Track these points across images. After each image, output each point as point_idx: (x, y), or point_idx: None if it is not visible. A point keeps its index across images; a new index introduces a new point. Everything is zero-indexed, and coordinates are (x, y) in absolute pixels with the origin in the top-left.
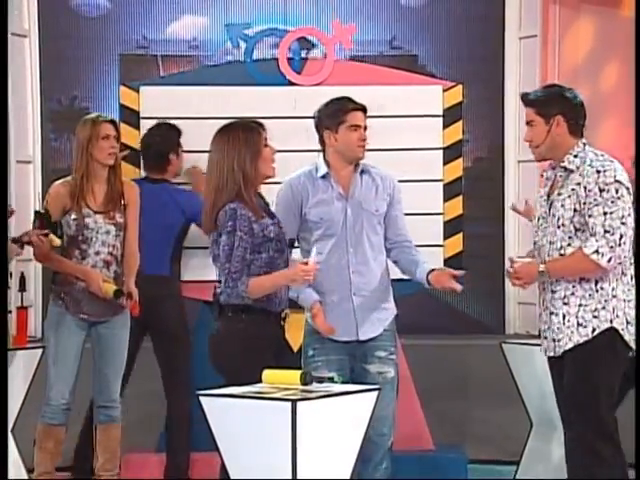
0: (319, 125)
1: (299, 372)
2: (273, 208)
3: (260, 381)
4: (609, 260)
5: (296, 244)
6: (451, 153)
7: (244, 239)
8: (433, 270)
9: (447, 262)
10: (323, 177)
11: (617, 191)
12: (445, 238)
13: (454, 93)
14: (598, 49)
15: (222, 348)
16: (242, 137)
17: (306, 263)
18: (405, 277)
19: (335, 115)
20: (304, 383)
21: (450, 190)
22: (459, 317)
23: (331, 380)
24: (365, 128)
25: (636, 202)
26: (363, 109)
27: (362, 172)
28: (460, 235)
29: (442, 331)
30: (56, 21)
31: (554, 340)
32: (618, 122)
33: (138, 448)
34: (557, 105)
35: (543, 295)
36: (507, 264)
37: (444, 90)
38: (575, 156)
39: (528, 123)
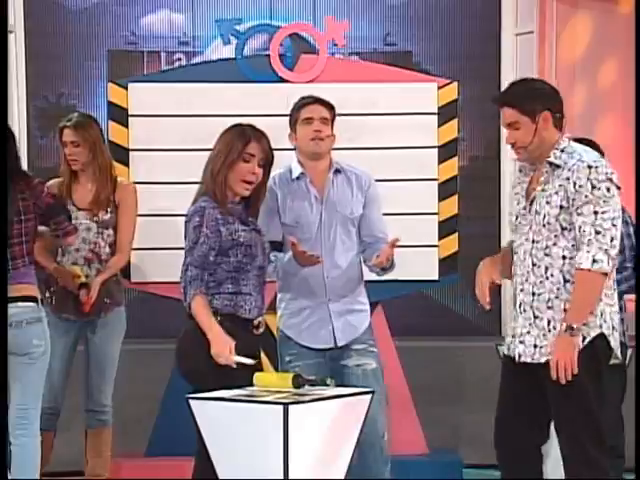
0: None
1: (290, 375)
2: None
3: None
4: (608, 264)
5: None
6: (446, 152)
7: (210, 237)
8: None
9: (442, 263)
10: (298, 178)
11: (609, 190)
12: (440, 238)
13: (449, 90)
14: (596, 45)
15: (184, 351)
16: (225, 140)
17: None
18: (399, 278)
19: (292, 114)
20: (296, 386)
21: (445, 189)
22: (454, 318)
23: (323, 383)
24: (325, 120)
25: (636, 202)
26: (320, 101)
27: (336, 171)
28: (455, 235)
29: (437, 333)
30: (42, 16)
31: (535, 346)
32: (616, 120)
33: (127, 452)
34: (541, 100)
35: (522, 296)
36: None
37: (439, 87)
38: (562, 151)
39: (510, 125)
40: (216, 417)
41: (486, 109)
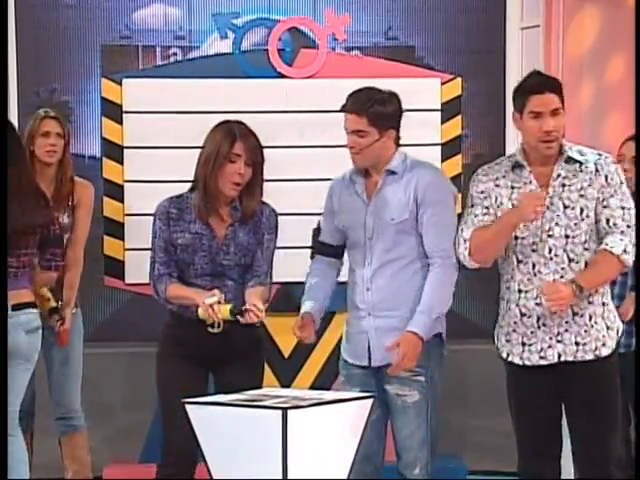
0: None
1: (228, 306)
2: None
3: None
4: (633, 257)
5: None
6: (450, 149)
7: (164, 230)
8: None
9: None
10: (351, 180)
11: (627, 187)
12: None
13: (453, 86)
14: (604, 40)
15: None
16: (212, 141)
17: (218, 302)
18: None
19: None
20: (233, 313)
21: None
22: (457, 320)
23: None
24: (360, 132)
25: (637, 203)
26: (352, 110)
27: (391, 173)
28: None
29: None
30: (33, 10)
31: (577, 343)
32: (625, 116)
33: (122, 458)
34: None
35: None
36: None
37: (442, 83)
38: (570, 147)
39: (554, 111)
40: (213, 422)
41: (490, 105)
